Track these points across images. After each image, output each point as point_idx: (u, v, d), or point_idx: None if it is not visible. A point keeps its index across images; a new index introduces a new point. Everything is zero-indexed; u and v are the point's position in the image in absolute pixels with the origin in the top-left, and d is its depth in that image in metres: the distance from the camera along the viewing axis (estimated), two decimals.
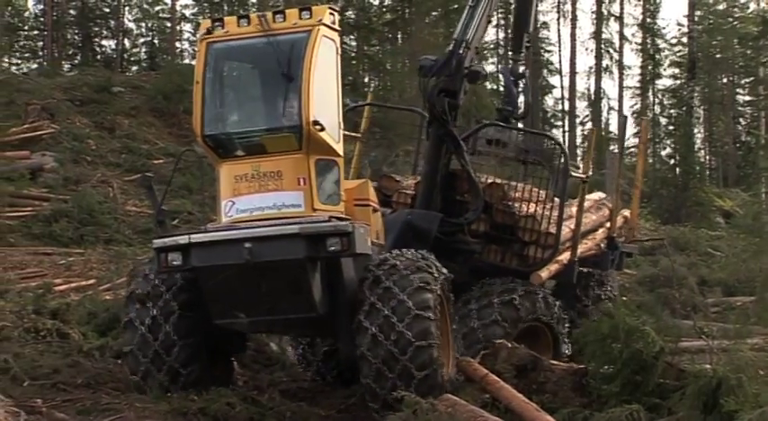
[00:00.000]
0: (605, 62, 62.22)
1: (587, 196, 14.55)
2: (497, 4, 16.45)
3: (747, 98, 66.48)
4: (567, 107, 63.63)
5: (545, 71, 62.43)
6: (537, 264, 13.58)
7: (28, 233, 25.07)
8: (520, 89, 15.33)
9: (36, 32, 55.29)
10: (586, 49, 62.31)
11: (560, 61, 64.56)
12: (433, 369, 10.34)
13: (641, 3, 63.94)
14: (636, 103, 66.98)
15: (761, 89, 62.90)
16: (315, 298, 10.53)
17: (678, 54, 63.97)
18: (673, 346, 10.54)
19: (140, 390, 10.99)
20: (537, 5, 16.65)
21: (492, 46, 58.01)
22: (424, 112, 14.27)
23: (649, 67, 64.86)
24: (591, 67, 62.86)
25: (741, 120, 66.33)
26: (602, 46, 61.33)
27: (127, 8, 58.22)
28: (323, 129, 10.62)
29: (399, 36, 39.55)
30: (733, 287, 24.23)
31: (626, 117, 56.17)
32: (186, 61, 52.45)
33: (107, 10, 56.07)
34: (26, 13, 55.64)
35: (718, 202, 45.31)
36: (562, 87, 64.62)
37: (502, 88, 20.08)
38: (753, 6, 64.27)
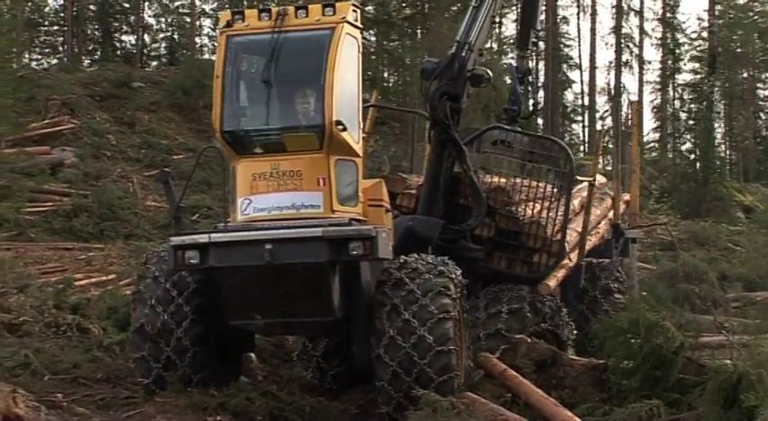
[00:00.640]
0: (625, 57, 61.95)
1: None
2: (502, 5, 16.14)
3: None
4: (586, 102, 63.58)
5: (564, 66, 62.20)
6: (543, 271, 13.38)
7: (48, 228, 25.17)
8: (528, 86, 15.21)
9: (56, 28, 55.39)
10: (606, 44, 61.99)
11: (580, 56, 64.47)
12: (450, 374, 10.22)
13: None
14: (656, 98, 66.91)
15: None
16: (333, 301, 10.33)
17: (698, 49, 63.56)
18: (693, 341, 10.49)
19: (151, 393, 10.75)
20: (542, 2, 16.57)
21: (512, 41, 57.84)
22: (426, 114, 13.93)
23: (669, 62, 64.62)
24: (611, 62, 62.63)
25: (761, 114, 66.07)
26: (622, 40, 60.99)
27: (147, 3, 58.27)
28: (345, 129, 10.41)
29: (419, 31, 39.48)
30: (753, 282, 24.19)
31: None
32: (206, 56, 52.60)
33: (127, 5, 56.12)
34: (46, 9, 55.71)
35: (739, 197, 45.16)
36: (582, 82, 64.53)
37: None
38: None
